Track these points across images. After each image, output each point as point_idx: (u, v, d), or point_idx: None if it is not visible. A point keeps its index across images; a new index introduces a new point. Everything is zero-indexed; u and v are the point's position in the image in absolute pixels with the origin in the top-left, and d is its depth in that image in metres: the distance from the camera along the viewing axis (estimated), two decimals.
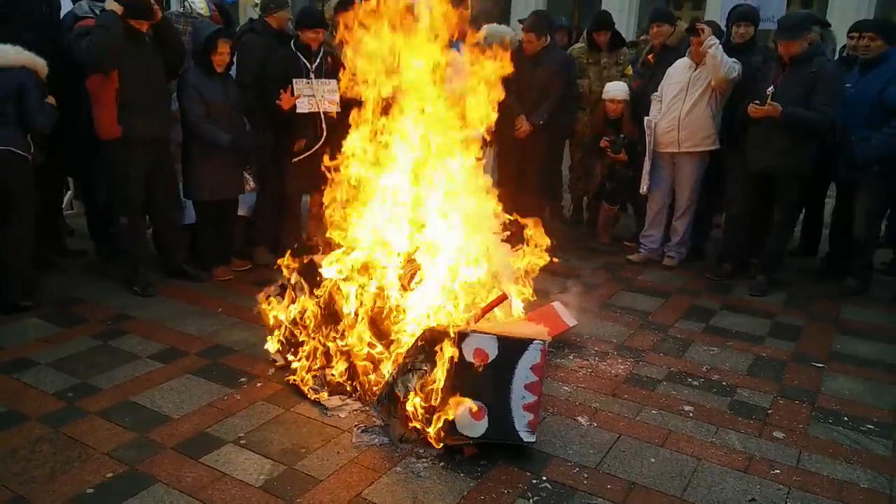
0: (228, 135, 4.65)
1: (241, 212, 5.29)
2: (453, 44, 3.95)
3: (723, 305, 4.86)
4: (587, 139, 6.06)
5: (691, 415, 3.32)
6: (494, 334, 2.82)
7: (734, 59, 4.86)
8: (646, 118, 5.32)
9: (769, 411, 3.39)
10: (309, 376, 3.31)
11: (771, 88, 4.58)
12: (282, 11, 5.15)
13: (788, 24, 4.62)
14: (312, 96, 4.87)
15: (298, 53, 4.88)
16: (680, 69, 5.15)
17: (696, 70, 5.02)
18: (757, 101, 4.56)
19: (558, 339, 4.01)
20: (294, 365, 3.40)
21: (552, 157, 6.35)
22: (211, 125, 4.61)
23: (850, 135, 4.69)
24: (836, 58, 5.57)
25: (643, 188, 5.42)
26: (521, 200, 4.05)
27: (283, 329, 3.53)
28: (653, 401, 3.45)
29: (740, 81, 4.92)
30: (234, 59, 4.84)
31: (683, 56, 5.17)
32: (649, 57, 5.64)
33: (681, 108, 5.12)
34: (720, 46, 4.86)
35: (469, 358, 2.78)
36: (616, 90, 5.70)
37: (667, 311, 4.74)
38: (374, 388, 3.16)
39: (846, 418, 3.36)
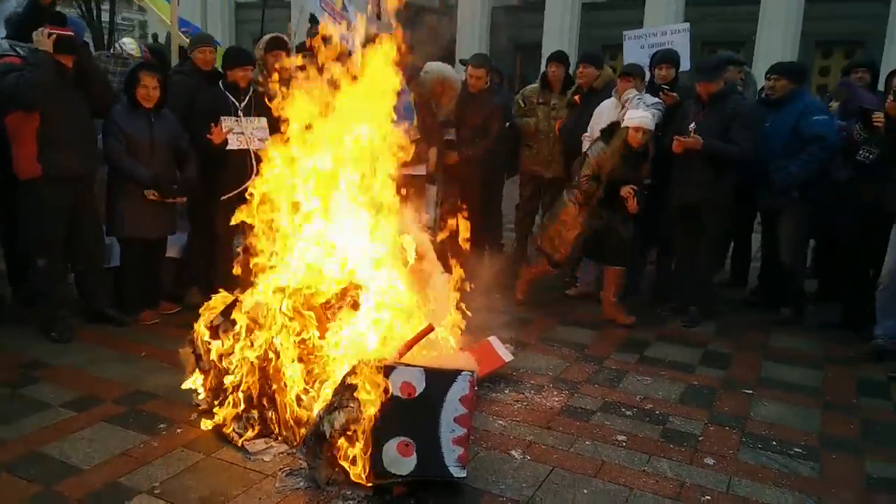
0: (149, 171, 4.52)
1: (171, 253, 5.14)
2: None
3: (657, 336, 4.93)
4: (582, 181, 5.01)
5: (624, 444, 3.31)
6: (421, 367, 2.76)
7: (656, 100, 5.05)
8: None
9: (700, 438, 3.41)
10: (232, 419, 3.17)
11: (693, 125, 4.81)
12: (206, 49, 5.11)
13: (706, 67, 4.92)
14: (242, 133, 4.82)
15: (227, 92, 4.85)
16: (609, 109, 5.32)
17: (623, 110, 5.19)
18: (680, 136, 4.75)
19: (494, 374, 3.98)
20: (216, 408, 3.26)
21: (492, 197, 6.43)
22: (130, 161, 4.49)
23: (769, 164, 4.91)
24: (756, 98, 5.87)
25: None
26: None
27: (207, 370, 3.38)
28: (587, 432, 3.42)
29: (664, 119, 5.10)
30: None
31: (610, 97, 5.34)
32: (575, 97, 5.79)
33: None
34: (636, 99, 5.04)
35: (396, 392, 2.71)
36: (644, 118, 4.83)
37: (602, 343, 4.77)
38: (301, 430, 3.04)
39: (774, 443, 3.40)
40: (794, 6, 15.85)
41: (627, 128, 4.84)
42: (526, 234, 6.71)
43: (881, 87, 5.51)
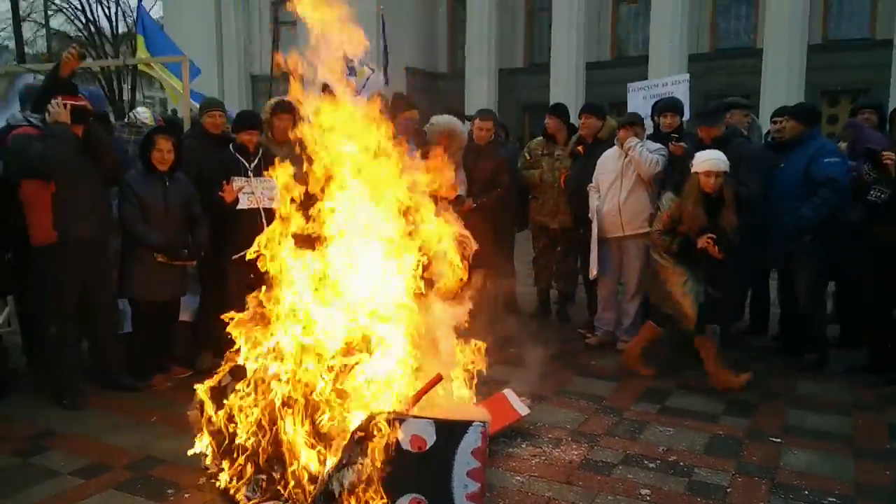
0: (162, 237, 4.57)
1: (184, 317, 5.14)
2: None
3: (677, 386, 4.79)
4: (654, 236, 4.70)
5: (648, 498, 3.17)
6: (431, 419, 2.69)
7: (658, 146, 5.07)
8: (591, 207, 5.45)
9: (728, 490, 3.26)
10: (240, 482, 3.09)
11: None
12: (215, 113, 5.24)
13: (706, 112, 4.98)
14: (252, 193, 4.89)
15: (237, 154, 4.95)
16: (612, 158, 5.37)
17: (626, 157, 5.23)
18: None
19: (511, 428, 3.87)
20: (224, 471, 3.18)
21: (503, 250, 6.43)
22: (144, 227, 4.55)
23: (781, 208, 4.88)
24: (762, 143, 5.89)
25: (592, 273, 5.45)
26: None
27: (215, 433, 3.32)
28: (608, 486, 3.29)
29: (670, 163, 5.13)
30: None
31: (613, 146, 5.40)
32: (579, 147, 5.84)
33: (619, 194, 5.29)
34: (639, 146, 5.13)
35: (406, 446, 2.63)
36: (714, 160, 4.45)
37: (621, 394, 4.65)
38: (311, 488, 2.95)
39: (807, 492, 3.24)
40: (797, 57, 16.10)
41: (697, 174, 4.49)
42: (546, 286, 6.67)
43: (889, 128, 5.51)
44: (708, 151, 4.54)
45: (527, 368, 5.07)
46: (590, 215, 5.42)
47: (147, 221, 4.60)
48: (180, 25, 20.33)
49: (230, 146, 5.03)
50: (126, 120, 5.86)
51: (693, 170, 4.51)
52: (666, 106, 5.51)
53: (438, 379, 2.93)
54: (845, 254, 4.90)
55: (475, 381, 3.52)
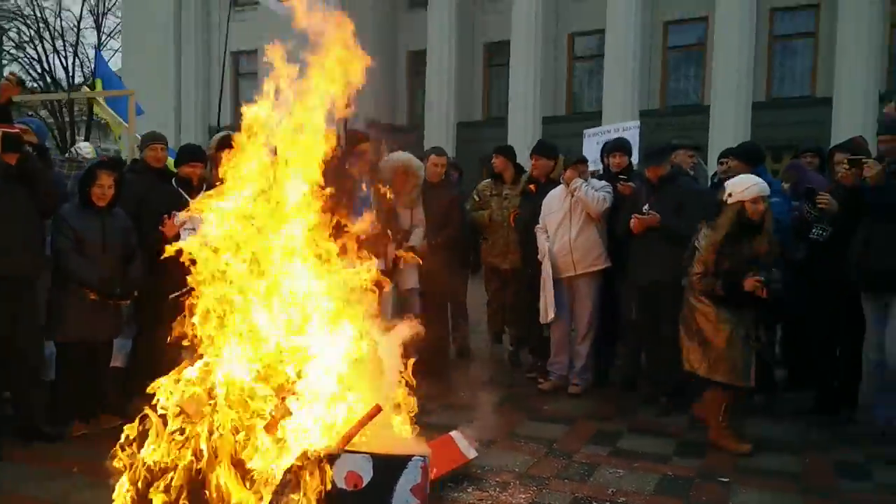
0: (97, 273, 4.37)
1: (115, 362, 4.88)
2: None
3: (629, 428, 4.70)
4: (693, 281, 4.26)
5: None
6: (368, 453, 2.55)
7: (604, 183, 5.13)
8: (541, 248, 5.43)
9: None
10: None
11: (646, 207, 4.88)
12: (157, 146, 5.13)
13: (652, 152, 5.06)
14: (194, 229, 4.73)
15: (180, 189, 4.82)
16: (557, 198, 5.40)
17: (573, 196, 5.27)
18: (637, 214, 4.82)
19: (457, 472, 3.71)
20: None
21: (456, 292, 6.36)
22: (77, 260, 4.34)
23: None
24: (709, 184, 6.01)
25: (549, 316, 5.36)
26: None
27: (136, 478, 3.09)
28: None
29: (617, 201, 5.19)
30: None
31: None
32: (531, 186, 5.86)
33: (569, 233, 5.29)
34: (584, 186, 5.19)
35: (340, 484, 2.48)
36: (760, 182, 4.19)
37: (572, 437, 4.54)
38: None
39: None
40: (742, 114, 16.78)
41: (739, 202, 4.09)
42: (499, 330, 6.58)
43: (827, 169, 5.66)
44: (746, 177, 4.28)
45: (476, 412, 4.93)
46: (539, 256, 5.40)
47: (82, 257, 4.40)
48: (139, 76, 20.19)
49: (172, 180, 4.91)
50: (67, 155, 5.69)
51: (735, 198, 4.13)
52: (615, 146, 5.61)
53: (377, 410, 2.79)
54: (790, 293, 4.95)
55: (415, 422, 3.38)
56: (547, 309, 5.32)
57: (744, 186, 4.15)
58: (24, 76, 29.35)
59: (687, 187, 4.94)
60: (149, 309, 4.77)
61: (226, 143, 5.32)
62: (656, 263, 4.86)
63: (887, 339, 4.25)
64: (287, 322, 3.16)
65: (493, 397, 5.34)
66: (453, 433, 3.92)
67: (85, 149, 5.68)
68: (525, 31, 18.43)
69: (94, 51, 14.34)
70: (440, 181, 5.98)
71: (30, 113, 20.80)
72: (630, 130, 6.65)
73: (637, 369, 5.52)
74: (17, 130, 4.05)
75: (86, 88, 6.80)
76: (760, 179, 4.28)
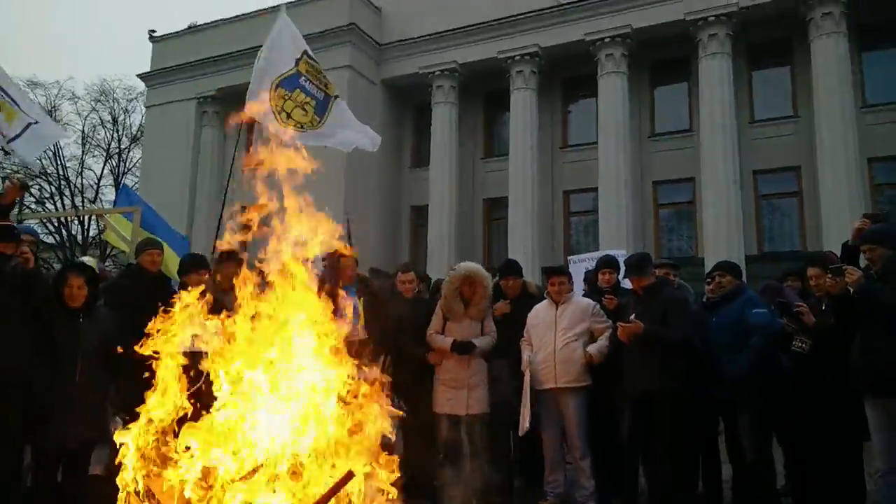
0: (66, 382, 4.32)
1: (95, 469, 4.70)
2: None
3: None
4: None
5: None
6: None
7: (606, 322, 5.35)
8: (524, 359, 5.40)
9: None
10: None
11: (632, 316, 4.97)
12: (154, 251, 5.29)
13: (634, 263, 5.26)
14: (196, 336, 4.76)
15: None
16: (543, 310, 5.48)
17: (557, 308, 5.35)
18: (621, 322, 4.87)
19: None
20: None
21: None
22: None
23: (719, 359, 4.95)
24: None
25: (523, 427, 5.21)
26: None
27: None
28: None
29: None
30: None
31: (541, 300, 5.57)
32: (506, 308, 5.77)
33: (553, 344, 5.30)
34: (598, 349, 5.26)
35: None
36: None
37: None
38: None
39: None
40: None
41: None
42: None
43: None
44: None
45: None
46: (522, 368, 5.36)
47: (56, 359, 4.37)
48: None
49: (177, 287, 5.05)
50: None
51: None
52: (604, 263, 5.87)
53: (349, 476, 2.68)
54: (786, 402, 4.88)
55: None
56: (523, 421, 5.17)
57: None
58: (40, 230, 30.60)
59: (671, 296, 5.05)
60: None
61: (226, 257, 5.54)
62: (647, 373, 4.85)
63: None
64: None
65: None
66: None
67: (88, 262, 5.85)
68: (522, 188, 19.40)
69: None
70: (414, 297, 5.98)
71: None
72: (617, 254, 6.85)
73: (636, 491, 5.26)
74: (10, 223, 4.22)
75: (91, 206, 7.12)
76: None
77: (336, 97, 7.21)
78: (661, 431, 4.80)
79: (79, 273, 4.58)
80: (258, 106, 6.60)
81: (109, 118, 30.32)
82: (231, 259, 5.46)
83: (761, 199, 18.54)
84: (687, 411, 4.91)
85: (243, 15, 22.44)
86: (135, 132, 30.33)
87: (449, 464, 5.28)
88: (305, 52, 7.07)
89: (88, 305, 4.55)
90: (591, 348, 5.21)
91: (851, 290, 4.34)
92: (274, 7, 21.54)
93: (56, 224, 28.86)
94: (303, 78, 6.98)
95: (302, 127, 7.04)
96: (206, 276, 5.09)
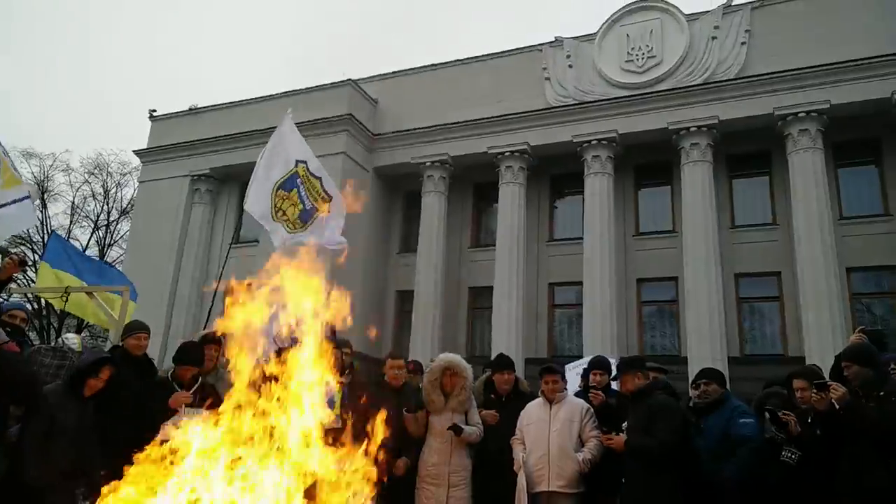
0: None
1: None
2: None
3: None
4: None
5: None
6: None
7: (594, 434, 5.31)
8: (517, 459, 5.32)
9: None
10: None
11: (625, 424, 4.91)
12: (141, 335, 5.27)
13: (625, 362, 5.29)
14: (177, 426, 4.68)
15: (174, 384, 4.93)
16: (536, 408, 5.44)
17: (551, 407, 5.31)
18: (606, 432, 4.85)
19: None
20: None
21: None
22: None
23: (704, 468, 4.88)
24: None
25: None
26: None
27: None
28: None
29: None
30: None
31: (533, 398, 5.53)
32: (494, 415, 5.68)
33: (547, 444, 5.23)
34: (589, 461, 5.23)
35: None
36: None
37: None
38: None
39: None
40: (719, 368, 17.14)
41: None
42: None
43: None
44: None
45: None
46: (515, 468, 5.26)
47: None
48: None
49: (168, 375, 5.04)
50: (53, 345, 5.76)
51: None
52: (597, 364, 5.96)
53: None
54: None
55: None
56: None
57: None
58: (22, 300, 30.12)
59: (657, 401, 5.03)
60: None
61: (208, 340, 5.55)
62: (640, 485, 4.78)
63: None
64: None
65: None
66: None
67: (72, 340, 5.78)
68: (507, 278, 19.56)
69: None
70: (402, 386, 5.92)
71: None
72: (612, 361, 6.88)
73: None
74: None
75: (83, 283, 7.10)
76: None
77: (324, 213, 7.53)
78: None
79: (112, 366, 4.61)
80: (258, 206, 6.90)
81: (101, 190, 30.59)
82: (212, 342, 5.49)
83: (742, 302, 18.78)
84: None
85: (241, 101, 23.18)
86: (125, 205, 30.52)
87: None
88: (305, 162, 7.48)
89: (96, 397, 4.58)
90: (580, 457, 5.14)
91: (837, 406, 4.38)
92: (270, 96, 22.40)
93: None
94: (300, 179, 7.36)
95: (293, 227, 7.38)
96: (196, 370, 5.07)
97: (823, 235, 16.63)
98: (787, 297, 17.98)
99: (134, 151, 24.78)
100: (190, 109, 23.97)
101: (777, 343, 18.40)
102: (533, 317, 20.09)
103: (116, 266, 22.63)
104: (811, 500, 4.52)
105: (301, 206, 7.34)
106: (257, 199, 7.06)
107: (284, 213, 7.24)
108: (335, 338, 5.96)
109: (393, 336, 21.63)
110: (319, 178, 7.53)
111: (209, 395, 4.89)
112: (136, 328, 5.39)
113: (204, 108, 23.90)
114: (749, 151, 19.22)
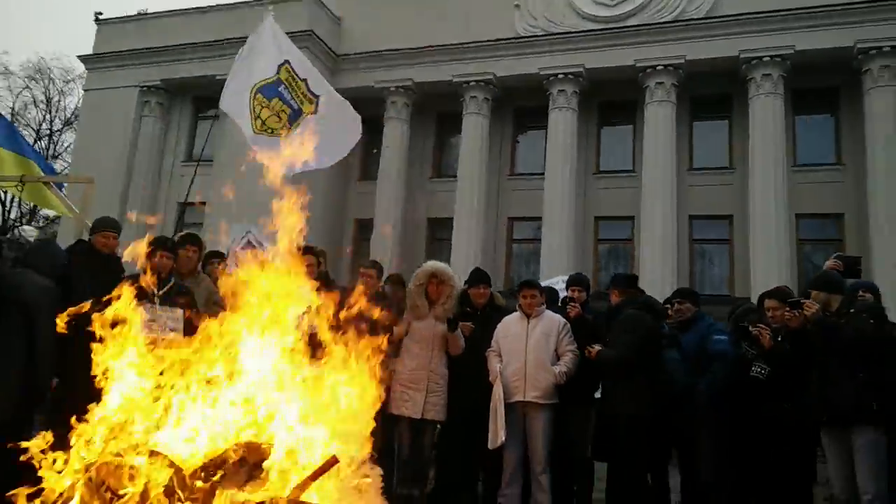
0: None
1: None
2: None
3: None
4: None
5: None
6: None
7: (568, 347, 5.34)
8: (493, 370, 5.34)
9: None
10: None
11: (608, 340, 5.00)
12: (110, 234, 5.00)
13: (613, 278, 5.41)
14: (153, 321, 4.47)
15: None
16: (514, 322, 5.44)
17: (529, 321, 5.32)
18: (589, 347, 4.92)
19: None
20: None
21: None
22: None
23: (682, 381, 5.01)
24: None
25: (500, 439, 5.11)
26: None
27: None
28: None
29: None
30: None
31: (511, 312, 5.54)
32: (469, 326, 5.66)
33: (524, 357, 5.25)
34: (564, 374, 5.25)
35: None
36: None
37: None
38: None
39: None
40: None
41: None
42: None
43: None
44: None
45: None
46: (491, 379, 5.29)
47: None
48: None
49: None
50: (8, 235, 5.42)
51: None
52: (576, 281, 6.06)
53: (333, 462, 2.53)
54: (748, 431, 4.96)
55: None
56: (497, 432, 5.09)
57: None
58: None
59: (625, 315, 5.16)
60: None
61: (187, 240, 5.33)
62: (615, 392, 4.90)
63: (859, 475, 4.23)
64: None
65: None
66: None
67: (30, 233, 5.44)
68: (467, 211, 19.50)
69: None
70: (374, 294, 5.81)
71: None
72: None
73: None
74: None
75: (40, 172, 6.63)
76: None
77: (311, 114, 7.22)
78: (628, 453, 4.83)
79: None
80: (234, 104, 6.53)
81: (43, 98, 28.77)
82: (192, 243, 5.26)
83: (694, 244, 19.24)
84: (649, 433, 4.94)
85: (196, 8, 21.86)
86: (69, 115, 28.87)
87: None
88: (288, 62, 7.13)
89: None
90: (556, 370, 5.20)
91: (808, 324, 4.51)
92: (227, 4, 21.21)
93: None
94: (282, 86, 7.03)
95: (272, 132, 7.07)
96: (168, 260, 4.82)
97: (777, 181, 17.03)
98: (737, 240, 18.48)
99: (78, 57, 23.26)
100: (140, 14, 22.51)
101: (724, 285, 19.02)
102: (490, 250, 20.18)
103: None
104: (779, 414, 4.69)
105: (289, 109, 7.04)
106: (233, 98, 6.71)
107: (264, 122, 6.93)
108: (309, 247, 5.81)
109: (351, 264, 21.44)
110: (305, 80, 7.20)
111: (183, 296, 4.70)
112: (106, 225, 5.08)
113: (155, 13, 22.46)
114: (711, 94, 19.34)
